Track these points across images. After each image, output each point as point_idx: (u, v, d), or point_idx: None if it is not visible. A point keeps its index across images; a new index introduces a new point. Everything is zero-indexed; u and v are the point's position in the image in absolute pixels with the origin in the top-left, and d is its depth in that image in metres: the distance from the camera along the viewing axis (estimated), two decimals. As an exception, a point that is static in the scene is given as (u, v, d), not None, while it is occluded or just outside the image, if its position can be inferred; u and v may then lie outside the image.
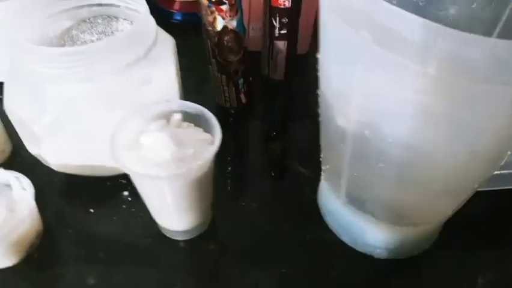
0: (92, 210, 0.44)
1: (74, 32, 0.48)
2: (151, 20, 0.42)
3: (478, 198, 0.37)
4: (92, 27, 0.49)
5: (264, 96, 0.58)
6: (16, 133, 0.48)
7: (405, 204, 0.35)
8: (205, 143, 0.36)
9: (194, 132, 0.37)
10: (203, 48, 0.50)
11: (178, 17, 0.69)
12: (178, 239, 0.42)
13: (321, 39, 0.31)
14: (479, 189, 0.34)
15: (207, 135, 0.37)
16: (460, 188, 0.32)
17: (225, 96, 0.52)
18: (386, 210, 0.36)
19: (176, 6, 0.68)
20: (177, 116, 0.37)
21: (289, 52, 0.54)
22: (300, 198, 0.46)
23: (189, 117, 0.38)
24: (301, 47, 0.58)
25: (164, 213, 0.39)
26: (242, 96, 0.53)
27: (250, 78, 0.53)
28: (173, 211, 0.38)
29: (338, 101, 0.31)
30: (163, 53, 0.43)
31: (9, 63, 0.42)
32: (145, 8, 0.41)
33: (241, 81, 0.51)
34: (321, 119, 0.37)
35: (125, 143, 0.35)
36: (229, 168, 0.49)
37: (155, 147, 0.34)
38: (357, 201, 0.37)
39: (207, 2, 0.44)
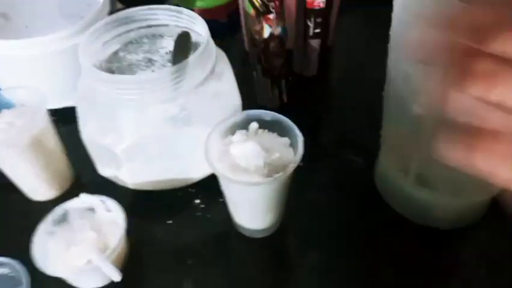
0: (170, 222, 0.47)
1: (121, 54, 0.50)
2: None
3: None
4: (138, 47, 0.51)
5: (301, 93, 0.61)
6: (74, 158, 0.50)
7: (473, 178, 0.39)
8: (285, 146, 0.39)
9: (273, 138, 0.40)
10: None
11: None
12: (258, 236, 0.45)
13: (395, 41, 0.34)
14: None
15: (284, 139, 0.40)
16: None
17: (269, 97, 0.55)
18: (452, 185, 0.40)
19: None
20: (255, 125, 0.40)
21: (323, 48, 0.57)
22: (360, 186, 0.49)
23: (263, 124, 0.41)
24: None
25: (251, 215, 0.42)
26: (284, 96, 0.56)
27: (290, 78, 0.56)
28: (261, 212, 0.41)
29: (417, 95, 0.34)
30: (223, 66, 0.45)
31: (79, 92, 0.44)
32: (205, 28, 0.43)
33: (283, 82, 0.54)
34: (386, 112, 0.40)
35: (215, 155, 0.38)
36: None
37: (246, 155, 0.37)
38: (425, 180, 0.41)
39: (255, 12, 0.46)
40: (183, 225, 0.47)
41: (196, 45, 0.44)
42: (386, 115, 0.41)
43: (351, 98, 0.60)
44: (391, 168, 0.45)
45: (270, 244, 0.45)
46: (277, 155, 0.38)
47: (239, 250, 0.45)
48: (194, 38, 0.46)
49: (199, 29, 0.44)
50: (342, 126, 0.57)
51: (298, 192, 0.49)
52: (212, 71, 0.43)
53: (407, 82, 0.35)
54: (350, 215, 0.47)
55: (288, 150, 0.39)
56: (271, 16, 0.47)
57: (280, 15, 0.47)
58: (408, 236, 0.45)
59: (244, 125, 0.41)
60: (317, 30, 0.55)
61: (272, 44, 0.49)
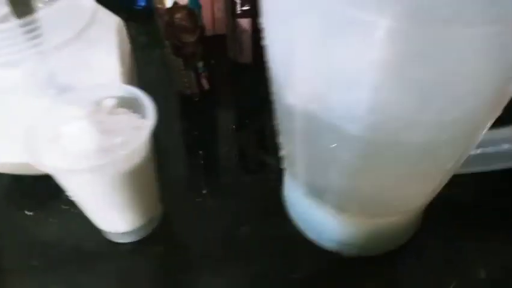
0: (30, 213, 0.39)
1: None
2: (85, -5, 0.38)
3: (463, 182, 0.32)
4: None
5: (231, 81, 0.53)
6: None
7: (368, 193, 0.30)
8: (141, 130, 0.31)
9: (128, 119, 0.32)
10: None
11: (142, 3, 0.64)
12: (123, 241, 0.37)
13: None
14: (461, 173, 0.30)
15: (143, 122, 0.32)
16: (430, 171, 0.27)
17: (184, 82, 0.47)
18: (346, 200, 0.31)
19: (139, -9, 0.63)
20: (109, 102, 0.32)
21: (255, 31, 0.49)
22: (265, 191, 0.41)
23: (127, 103, 0.33)
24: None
25: (101, 214, 0.34)
26: (204, 81, 0.48)
27: (212, 61, 0.48)
28: (110, 210, 0.33)
29: (284, 72, 0.26)
30: (104, 33, 0.38)
31: None
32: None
33: (200, 64, 0.46)
34: (273, 96, 0.32)
35: (46, 134, 0.30)
36: (188, 161, 0.44)
37: (77, 137, 0.29)
38: (315, 191, 0.32)
39: (150, -27, 0.39)
40: (43, 219, 0.39)
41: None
42: (274, 103, 0.32)
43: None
44: (287, 174, 0.36)
45: (137, 251, 0.37)
46: (119, 139, 0.30)
47: (97, 256, 0.37)
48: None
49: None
50: (266, 123, 0.48)
51: (188, 192, 0.41)
52: (79, 35, 0.35)
53: (276, 55, 0.26)
54: (243, 226, 0.38)
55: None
56: (169, -21, 0.39)
57: (182, -21, 0.39)
58: (306, 259, 0.36)
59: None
60: (245, 8, 0.47)
61: (178, 16, 0.42)
